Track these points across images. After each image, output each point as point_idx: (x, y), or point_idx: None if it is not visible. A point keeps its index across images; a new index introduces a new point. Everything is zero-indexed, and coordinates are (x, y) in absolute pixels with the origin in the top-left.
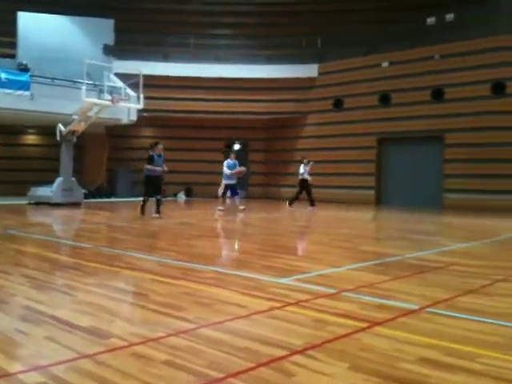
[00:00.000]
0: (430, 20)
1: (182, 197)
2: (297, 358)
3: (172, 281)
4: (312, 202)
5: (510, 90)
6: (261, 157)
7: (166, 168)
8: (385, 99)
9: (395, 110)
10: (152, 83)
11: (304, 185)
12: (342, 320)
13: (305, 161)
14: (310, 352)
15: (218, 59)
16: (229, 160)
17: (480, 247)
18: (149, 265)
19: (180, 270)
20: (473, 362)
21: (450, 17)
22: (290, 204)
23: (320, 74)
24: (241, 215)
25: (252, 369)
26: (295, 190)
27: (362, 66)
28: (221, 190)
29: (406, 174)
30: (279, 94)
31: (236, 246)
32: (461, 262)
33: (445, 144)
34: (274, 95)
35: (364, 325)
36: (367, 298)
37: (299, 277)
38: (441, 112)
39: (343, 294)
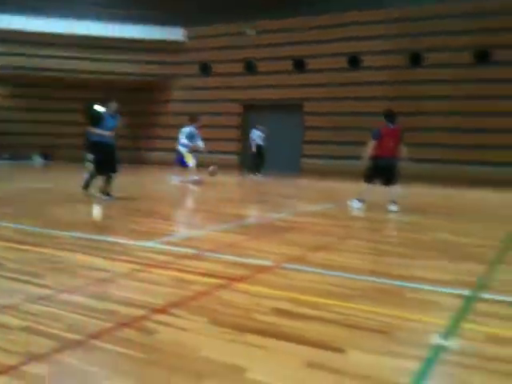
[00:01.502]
0: None
1: (38, 160)
2: (158, 316)
3: (28, 247)
4: (258, 170)
5: (365, 63)
6: (127, 120)
7: (122, 124)
8: (250, 67)
9: (260, 78)
10: (7, 37)
11: (259, 151)
12: (203, 279)
13: (260, 127)
14: (171, 310)
15: (77, 15)
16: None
17: (332, 208)
18: (0, 232)
19: (37, 237)
20: (323, 311)
21: None
22: (255, 173)
23: (187, 37)
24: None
25: (113, 329)
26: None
27: (229, 33)
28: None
29: (270, 140)
30: (144, 56)
31: (100, 211)
32: (314, 221)
33: (304, 112)
34: (139, 56)
35: (224, 282)
36: (228, 257)
37: (164, 239)
38: (301, 82)
39: (205, 254)
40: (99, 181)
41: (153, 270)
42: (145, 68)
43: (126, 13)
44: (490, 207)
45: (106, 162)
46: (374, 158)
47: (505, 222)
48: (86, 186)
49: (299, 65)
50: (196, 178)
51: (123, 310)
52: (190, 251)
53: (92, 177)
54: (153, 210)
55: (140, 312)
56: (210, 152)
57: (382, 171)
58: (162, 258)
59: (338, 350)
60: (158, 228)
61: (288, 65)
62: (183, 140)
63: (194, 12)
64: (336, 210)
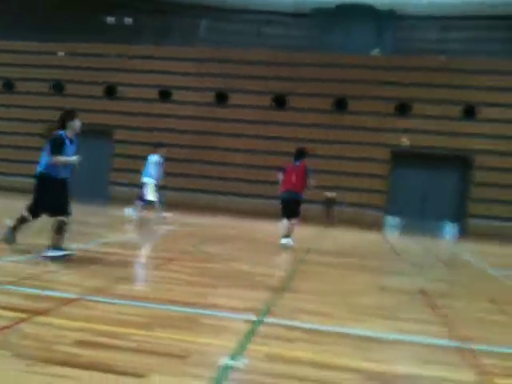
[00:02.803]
0: (110, 19)
1: None
2: None
3: None
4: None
5: (175, 96)
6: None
7: (76, 160)
8: (59, 88)
9: (69, 100)
10: None
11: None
12: (2, 312)
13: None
14: None
15: None
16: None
17: (138, 239)
18: None
19: None
20: (125, 340)
21: (128, 20)
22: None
23: None
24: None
25: None
26: None
27: (38, 51)
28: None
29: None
30: None
31: None
32: (119, 252)
33: (115, 140)
34: None
35: (25, 315)
36: (29, 290)
37: None
38: (112, 108)
39: (5, 286)
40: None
41: None
42: None
43: None
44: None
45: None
46: (280, 194)
47: (292, 252)
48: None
49: (111, 91)
50: (164, 215)
51: None
52: None
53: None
54: None
55: None
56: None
57: (286, 204)
58: None
59: (139, 375)
60: None
61: (99, 90)
62: (151, 171)
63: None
64: (141, 240)
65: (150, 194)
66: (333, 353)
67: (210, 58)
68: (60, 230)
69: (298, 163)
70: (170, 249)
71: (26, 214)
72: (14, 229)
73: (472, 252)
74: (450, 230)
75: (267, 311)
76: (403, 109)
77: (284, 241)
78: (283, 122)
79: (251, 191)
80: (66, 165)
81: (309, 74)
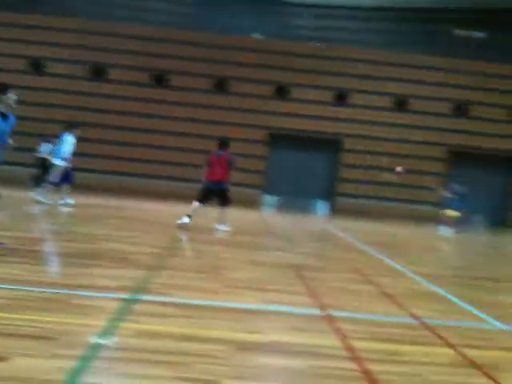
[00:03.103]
0: None
1: None
2: None
3: None
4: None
5: (50, 69)
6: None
7: (10, 141)
8: None
9: None
10: None
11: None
12: None
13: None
14: None
15: None
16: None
17: (9, 219)
18: None
19: None
20: None
21: None
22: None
23: None
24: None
25: None
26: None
27: None
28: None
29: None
30: None
31: None
32: None
33: None
34: None
35: None
36: None
37: None
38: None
39: None
40: None
41: None
42: None
43: None
44: (160, 218)
45: None
46: (206, 182)
47: (171, 232)
48: None
49: None
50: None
51: None
52: None
53: None
54: None
55: None
56: None
57: (212, 194)
58: None
59: (2, 358)
60: None
61: None
62: (67, 153)
63: None
64: (10, 221)
65: (57, 177)
66: (206, 326)
67: (84, 30)
68: None
69: (221, 153)
70: (41, 229)
71: None
72: None
73: (341, 228)
74: (321, 207)
75: (141, 289)
76: (282, 92)
77: (185, 219)
78: (163, 101)
79: (133, 170)
80: None
81: (190, 52)
